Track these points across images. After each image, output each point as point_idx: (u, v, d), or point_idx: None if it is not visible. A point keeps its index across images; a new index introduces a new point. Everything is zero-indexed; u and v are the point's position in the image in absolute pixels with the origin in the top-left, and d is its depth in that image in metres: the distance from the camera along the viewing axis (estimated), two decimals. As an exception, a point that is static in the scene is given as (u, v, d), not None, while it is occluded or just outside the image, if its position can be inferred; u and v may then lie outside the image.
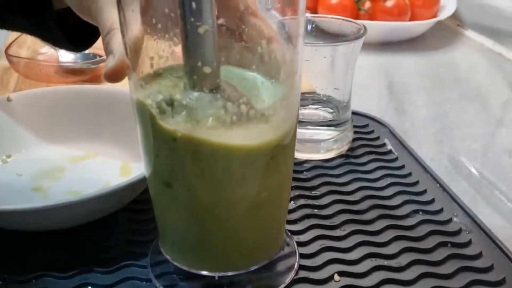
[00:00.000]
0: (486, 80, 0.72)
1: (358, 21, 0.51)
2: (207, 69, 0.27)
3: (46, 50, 0.71)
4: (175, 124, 0.28)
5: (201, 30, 0.26)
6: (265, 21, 0.30)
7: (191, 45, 0.27)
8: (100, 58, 0.66)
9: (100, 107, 0.51)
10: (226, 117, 0.28)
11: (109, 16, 0.34)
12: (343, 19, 0.52)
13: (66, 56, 0.67)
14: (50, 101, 0.51)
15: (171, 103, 0.29)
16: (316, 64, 0.50)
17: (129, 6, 0.28)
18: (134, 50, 0.29)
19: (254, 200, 0.32)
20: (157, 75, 0.30)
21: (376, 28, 0.80)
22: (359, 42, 0.49)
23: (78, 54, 0.67)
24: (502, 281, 0.37)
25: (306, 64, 0.49)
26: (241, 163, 0.30)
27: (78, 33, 0.44)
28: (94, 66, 0.64)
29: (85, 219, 0.40)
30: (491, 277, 0.37)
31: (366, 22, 0.79)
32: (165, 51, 0.30)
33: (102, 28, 0.35)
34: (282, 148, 0.32)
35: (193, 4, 0.26)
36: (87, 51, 0.61)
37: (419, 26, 0.82)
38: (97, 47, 0.44)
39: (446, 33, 0.87)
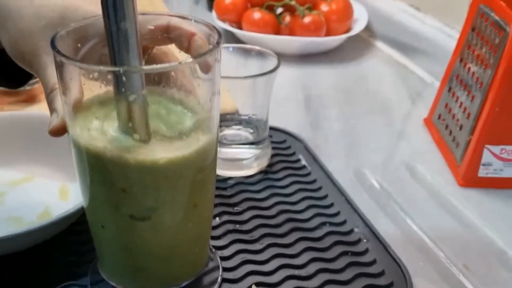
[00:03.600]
0: (391, 93, 0.79)
1: (272, 52, 0.57)
2: (136, 136, 0.32)
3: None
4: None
5: (131, 98, 0.32)
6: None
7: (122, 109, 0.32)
8: (35, 79, 0.68)
9: (34, 131, 0.53)
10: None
11: (53, 74, 0.35)
12: (260, 49, 0.58)
13: None
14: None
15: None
16: (237, 92, 0.55)
17: (68, 73, 0.32)
18: (74, 108, 0.33)
19: (181, 220, 0.37)
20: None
21: (295, 43, 0.87)
22: (274, 74, 0.55)
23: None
24: (391, 285, 0.44)
25: (228, 92, 0.55)
26: (170, 183, 0.35)
27: (13, 72, 0.45)
28: (28, 87, 0.67)
29: (23, 247, 0.44)
30: (381, 281, 0.44)
31: (286, 38, 0.86)
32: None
33: (45, 85, 0.37)
34: (205, 168, 0.37)
35: (124, 78, 0.31)
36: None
37: (334, 41, 0.89)
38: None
39: (359, 44, 0.95)
